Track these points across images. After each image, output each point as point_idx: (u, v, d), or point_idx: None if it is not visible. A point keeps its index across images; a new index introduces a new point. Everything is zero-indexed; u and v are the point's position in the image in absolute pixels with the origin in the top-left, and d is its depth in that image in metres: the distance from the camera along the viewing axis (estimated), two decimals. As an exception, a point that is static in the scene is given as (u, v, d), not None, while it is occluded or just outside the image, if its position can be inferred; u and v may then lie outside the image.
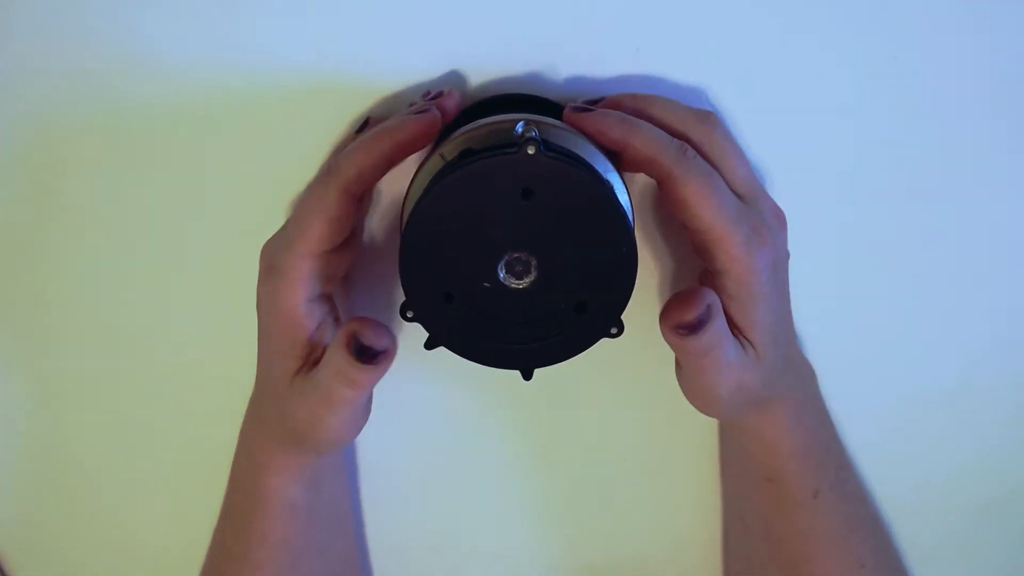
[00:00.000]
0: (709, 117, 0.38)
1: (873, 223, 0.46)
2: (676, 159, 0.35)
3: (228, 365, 0.46)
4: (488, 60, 0.42)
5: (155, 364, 0.48)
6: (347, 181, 0.35)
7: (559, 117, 0.39)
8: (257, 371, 0.41)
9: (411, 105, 0.40)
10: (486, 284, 0.33)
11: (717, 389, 0.37)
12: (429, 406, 0.49)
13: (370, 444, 0.50)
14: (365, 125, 0.41)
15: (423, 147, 0.37)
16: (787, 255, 0.40)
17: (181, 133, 0.43)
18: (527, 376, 0.36)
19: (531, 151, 0.32)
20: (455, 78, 0.42)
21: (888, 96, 0.44)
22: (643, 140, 0.35)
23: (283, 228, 0.38)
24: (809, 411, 0.42)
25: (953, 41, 0.43)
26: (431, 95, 0.39)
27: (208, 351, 0.48)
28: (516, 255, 0.33)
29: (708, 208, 0.35)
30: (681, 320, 0.35)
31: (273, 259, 0.37)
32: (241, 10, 0.41)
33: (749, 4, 0.42)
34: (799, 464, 0.41)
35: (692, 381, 0.39)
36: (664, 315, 0.36)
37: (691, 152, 0.36)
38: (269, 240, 0.39)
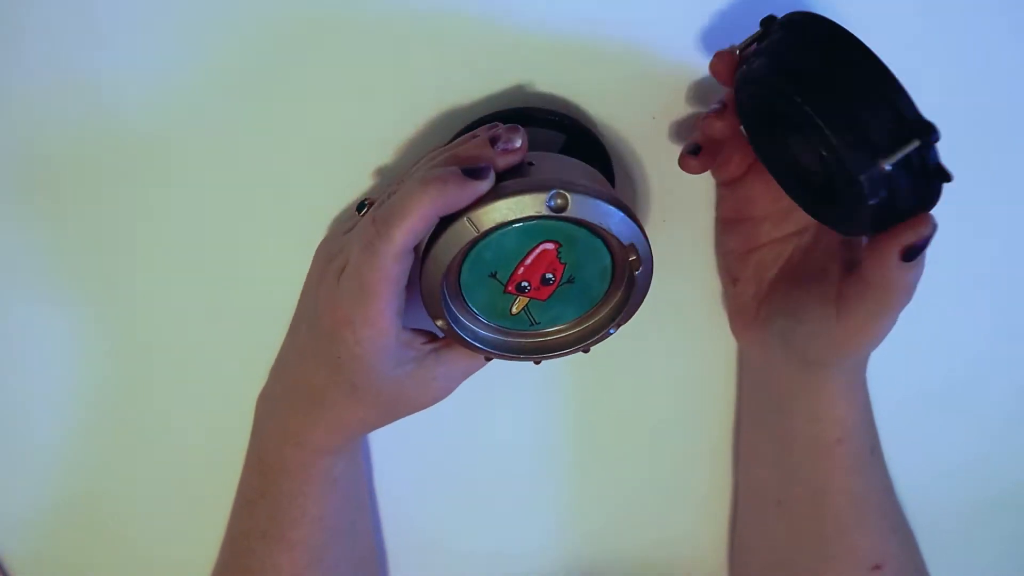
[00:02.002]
0: None
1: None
2: None
3: (237, 372, 0.46)
4: (490, 65, 0.43)
5: (163, 369, 0.49)
6: (399, 247, 0.34)
7: (567, 131, 0.40)
8: (296, 372, 0.41)
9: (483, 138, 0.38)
10: None
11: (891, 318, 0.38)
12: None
13: (373, 441, 0.51)
14: (363, 207, 0.40)
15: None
16: None
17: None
18: None
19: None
20: (464, 92, 0.43)
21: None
22: None
23: (347, 291, 0.36)
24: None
25: (952, 39, 0.43)
26: (500, 143, 0.36)
27: (216, 355, 0.48)
28: None
29: None
30: (920, 236, 0.35)
31: (354, 316, 0.36)
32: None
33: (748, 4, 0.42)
34: (867, 418, 0.44)
35: (872, 320, 0.39)
36: (896, 238, 0.35)
37: None
38: (331, 254, 0.39)
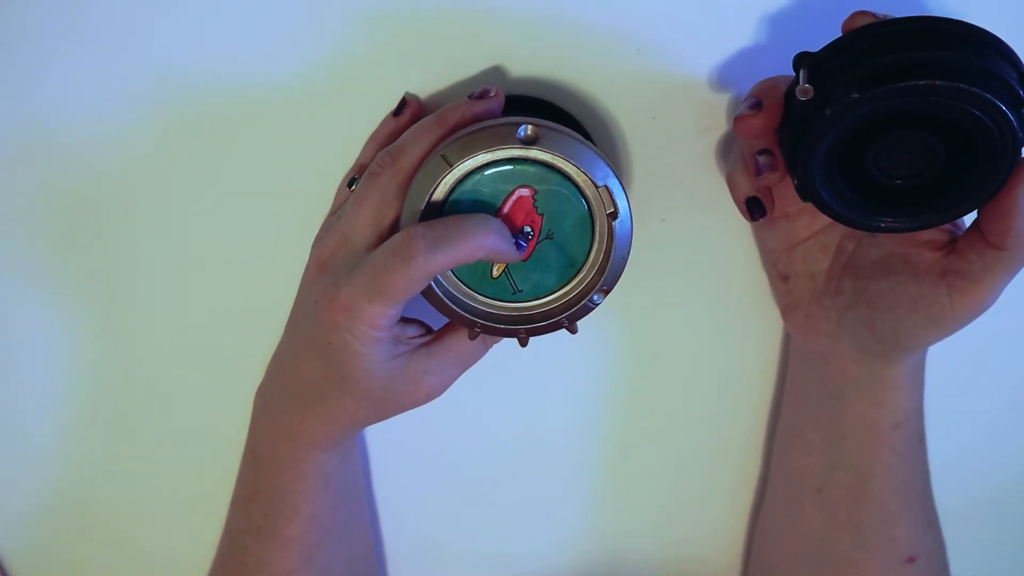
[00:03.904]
0: None
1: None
2: None
3: (236, 369, 0.47)
4: (490, 62, 0.43)
5: (161, 367, 0.49)
6: (435, 269, 0.35)
7: (557, 119, 0.40)
8: (295, 363, 0.41)
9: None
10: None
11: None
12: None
13: (376, 439, 0.51)
14: (403, 105, 0.42)
15: None
16: None
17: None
18: None
19: None
20: (459, 82, 0.43)
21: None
22: None
23: (357, 282, 0.37)
24: None
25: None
26: (476, 94, 0.39)
27: (214, 353, 0.49)
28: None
29: None
30: None
31: (354, 306, 0.36)
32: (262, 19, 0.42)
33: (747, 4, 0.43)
34: (922, 404, 0.44)
35: (998, 284, 0.38)
36: None
37: None
38: (324, 242, 0.39)
